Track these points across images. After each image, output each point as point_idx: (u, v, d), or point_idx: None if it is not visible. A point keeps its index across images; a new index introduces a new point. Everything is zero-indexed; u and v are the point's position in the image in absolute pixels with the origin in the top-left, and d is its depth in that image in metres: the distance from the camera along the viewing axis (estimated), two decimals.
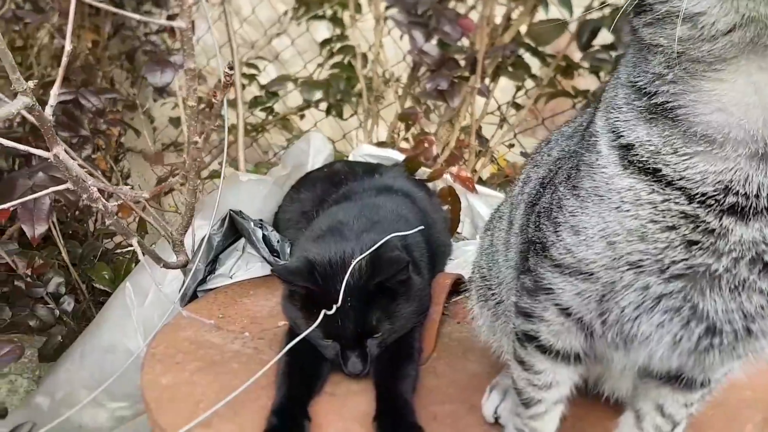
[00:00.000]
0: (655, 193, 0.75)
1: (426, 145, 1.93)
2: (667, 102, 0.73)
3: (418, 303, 1.35)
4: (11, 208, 1.47)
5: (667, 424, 0.99)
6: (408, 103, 2.39)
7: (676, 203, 0.74)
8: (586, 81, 2.30)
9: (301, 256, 1.35)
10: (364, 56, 2.46)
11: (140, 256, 1.31)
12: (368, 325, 1.25)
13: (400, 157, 1.99)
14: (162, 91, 2.19)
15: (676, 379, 0.94)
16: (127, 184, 2.51)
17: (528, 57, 2.23)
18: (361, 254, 1.28)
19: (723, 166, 0.71)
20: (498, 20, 2.19)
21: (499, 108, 2.48)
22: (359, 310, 1.24)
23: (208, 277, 1.69)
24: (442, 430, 1.17)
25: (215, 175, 2.35)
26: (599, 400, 1.15)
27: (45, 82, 1.97)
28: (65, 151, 1.05)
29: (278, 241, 1.66)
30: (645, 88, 0.75)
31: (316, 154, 2.10)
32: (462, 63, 2.13)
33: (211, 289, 1.66)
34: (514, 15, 2.22)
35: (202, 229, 1.68)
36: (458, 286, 1.52)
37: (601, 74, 2.18)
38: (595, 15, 2.08)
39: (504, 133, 2.44)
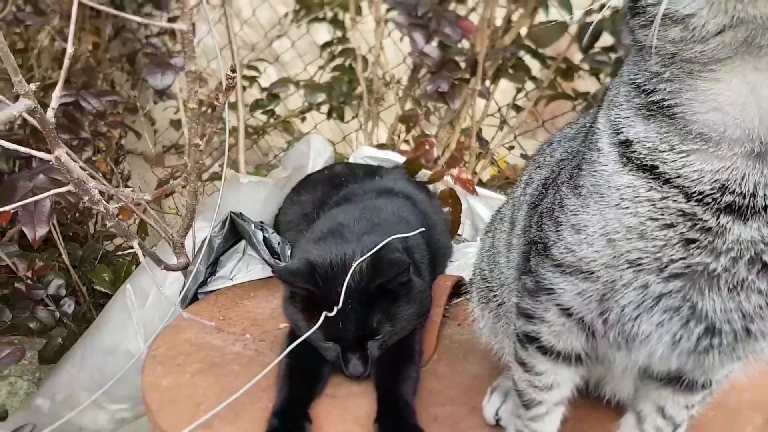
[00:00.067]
0: (654, 190, 0.76)
1: (426, 147, 1.93)
2: (665, 100, 0.74)
3: (419, 305, 1.35)
4: (12, 210, 1.47)
5: (668, 425, 0.99)
6: (408, 105, 2.39)
7: (674, 201, 0.75)
8: (586, 83, 2.30)
9: (302, 258, 1.35)
10: (365, 58, 2.46)
11: (141, 258, 1.31)
12: (369, 327, 1.25)
13: (401, 159, 1.99)
14: (162, 94, 2.19)
15: (677, 381, 0.95)
16: (127, 186, 2.51)
17: (528, 59, 2.24)
18: (361, 256, 1.28)
19: (719, 164, 0.72)
20: (498, 22, 2.19)
21: (499, 110, 2.48)
22: (360, 312, 1.24)
23: (209, 279, 1.69)
24: (443, 431, 1.17)
25: (216, 177, 2.35)
26: (600, 402, 1.15)
27: (46, 85, 1.97)
28: (66, 153, 1.05)
29: (279, 243, 1.66)
30: (643, 86, 0.76)
31: (316, 157, 2.10)
32: (462, 65, 2.13)
33: (211, 291, 1.66)
34: (515, 17, 2.22)
35: (202, 231, 1.68)
36: (459, 288, 1.52)
37: (601, 76, 2.18)
38: (595, 17, 2.08)
39: (504, 135, 2.44)
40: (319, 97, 2.56)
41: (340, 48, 2.62)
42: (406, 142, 2.35)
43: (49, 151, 1.03)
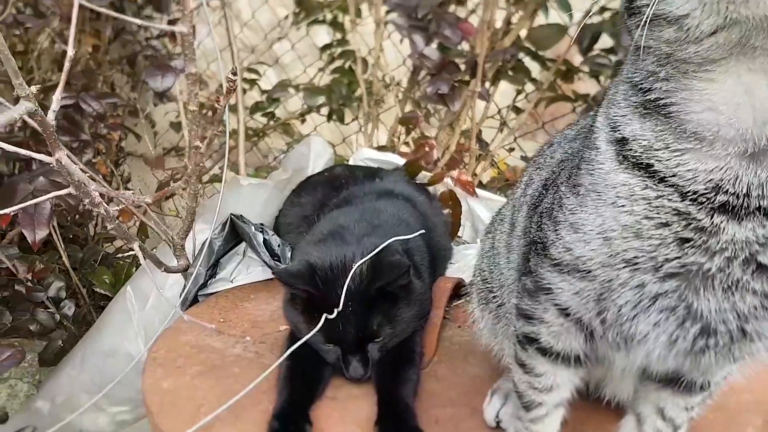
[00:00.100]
0: (649, 188, 0.76)
1: (426, 149, 1.93)
2: (660, 98, 0.75)
3: (419, 307, 1.35)
4: (12, 213, 1.47)
5: (667, 427, 0.99)
6: (408, 107, 2.39)
7: (669, 200, 0.75)
8: (586, 85, 2.30)
9: (302, 260, 1.35)
10: (364, 60, 2.46)
11: (141, 261, 1.31)
12: (369, 330, 1.25)
13: (401, 161, 2.00)
14: (162, 96, 2.19)
15: (675, 382, 0.95)
16: (127, 188, 2.51)
17: (528, 61, 2.24)
18: (362, 258, 1.28)
19: (713, 164, 0.72)
20: (498, 24, 2.20)
21: (499, 112, 2.48)
22: (360, 314, 1.24)
23: (209, 281, 1.68)
24: None
25: (216, 179, 2.35)
26: (600, 403, 1.15)
27: (46, 87, 1.97)
28: (67, 155, 1.06)
29: (279, 246, 1.66)
30: (640, 84, 0.77)
31: (316, 158, 2.10)
32: (462, 67, 2.13)
33: (211, 293, 1.66)
34: (515, 19, 2.22)
35: (202, 233, 1.68)
36: (459, 289, 1.52)
37: (601, 78, 2.18)
38: (595, 19, 2.08)
39: (504, 137, 2.44)
40: (318, 100, 2.56)
41: (339, 50, 2.62)
42: (406, 143, 2.35)
43: (49, 154, 1.03)
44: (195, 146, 1.35)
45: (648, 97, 0.76)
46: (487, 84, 2.21)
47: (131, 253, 1.24)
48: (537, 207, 0.97)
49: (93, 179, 1.24)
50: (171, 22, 2.30)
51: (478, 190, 1.97)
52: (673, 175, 0.74)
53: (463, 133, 2.27)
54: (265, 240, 1.66)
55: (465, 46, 2.18)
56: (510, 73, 2.22)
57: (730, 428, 1.19)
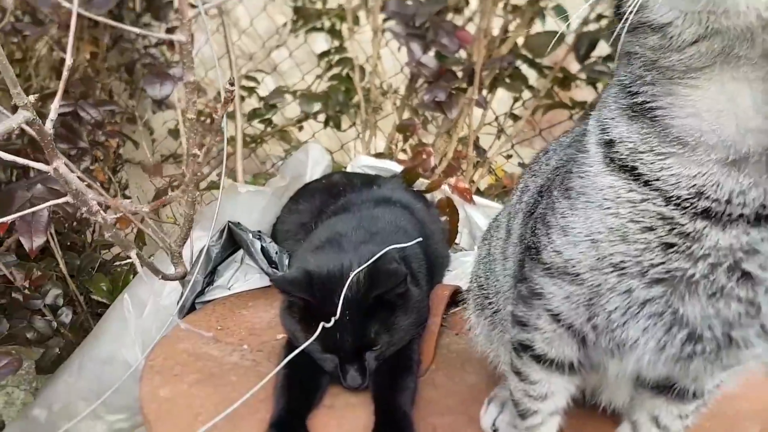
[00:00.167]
0: (634, 191, 0.76)
1: (424, 156, 1.93)
2: (647, 102, 0.75)
3: (417, 315, 1.35)
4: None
5: None
6: (406, 115, 2.40)
7: (654, 204, 0.75)
8: (583, 92, 2.31)
9: (299, 267, 1.35)
10: (362, 68, 2.47)
11: (138, 269, 1.31)
12: (367, 338, 1.25)
13: (398, 168, 2.00)
14: (161, 103, 2.20)
15: (668, 389, 0.95)
16: (125, 195, 2.52)
17: (525, 68, 2.24)
18: (359, 266, 1.28)
19: (696, 170, 0.72)
20: (495, 32, 2.20)
21: (496, 119, 2.49)
22: (357, 323, 1.24)
23: (207, 289, 1.69)
24: None
25: (214, 186, 2.35)
26: (597, 411, 1.15)
27: (44, 94, 1.97)
28: (65, 164, 1.06)
29: (276, 253, 1.67)
30: (629, 87, 0.78)
31: (314, 165, 2.10)
32: (459, 74, 2.14)
33: (209, 301, 1.66)
34: (512, 27, 2.23)
35: (200, 240, 1.68)
36: (456, 297, 1.52)
37: (599, 85, 2.19)
38: (592, 27, 2.09)
39: (502, 144, 2.44)
40: (315, 106, 2.57)
41: (337, 57, 2.63)
42: (404, 151, 2.35)
43: (47, 162, 1.03)
44: (193, 154, 1.35)
45: (635, 100, 0.77)
46: (485, 91, 2.21)
47: (129, 260, 1.23)
48: (532, 214, 0.98)
49: (90, 187, 1.24)
50: (169, 30, 2.30)
51: (476, 197, 1.97)
52: (657, 179, 0.75)
53: (460, 140, 2.27)
54: (262, 247, 1.66)
55: (462, 54, 2.18)
56: (507, 80, 2.22)
57: None
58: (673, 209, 0.74)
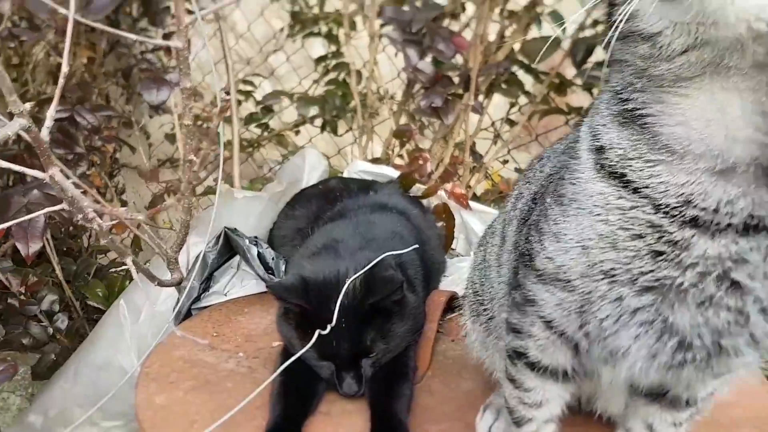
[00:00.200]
0: (623, 198, 0.76)
1: (420, 162, 1.93)
2: (637, 109, 0.75)
3: (413, 321, 1.35)
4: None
5: None
6: (403, 119, 2.40)
7: (643, 211, 0.75)
8: (579, 98, 2.31)
9: (295, 274, 1.35)
10: (359, 73, 2.47)
11: (134, 275, 1.31)
12: (363, 346, 1.25)
13: (395, 173, 2.00)
14: (158, 108, 2.19)
15: (662, 397, 0.95)
16: (121, 200, 2.51)
17: (521, 74, 2.25)
18: (355, 273, 1.27)
19: (684, 178, 0.72)
20: (492, 38, 2.21)
21: (493, 124, 2.49)
22: (354, 330, 1.23)
23: (203, 295, 1.68)
24: None
25: (210, 191, 2.35)
26: (592, 418, 1.15)
27: (41, 99, 1.97)
28: (61, 171, 1.06)
29: (273, 259, 1.66)
30: (620, 94, 0.78)
31: (311, 170, 2.10)
32: (456, 80, 2.14)
33: (205, 307, 1.66)
34: (508, 33, 2.24)
35: (196, 246, 1.68)
36: (452, 303, 1.52)
37: (594, 91, 2.19)
38: (588, 33, 2.10)
39: (498, 149, 2.45)
40: (312, 110, 2.57)
41: (334, 62, 2.63)
42: (400, 156, 2.35)
43: (43, 168, 1.03)
44: (189, 160, 1.36)
45: (626, 107, 0.77)
46: (481, 97, 2.22)
47: (125, 267, 1.23)
48: (526, 221, 0.98)
49: (86, 193, 1.24)
50: (166, 36, 2.30)
51: (472, 203, 1.98)
52: (646, 186, 0.75)
53: (457, 146, 2.28)
54: (259, 253, 1.66)
55: (459, 59, 2.19)
56: (503, 86, 2.23)
57: None
58: (662, 217, 0.74)
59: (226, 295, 1.68)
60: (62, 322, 1.86)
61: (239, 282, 1.71)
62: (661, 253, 0.76)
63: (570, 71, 2.23)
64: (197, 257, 1.63)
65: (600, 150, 0.79)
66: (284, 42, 2.93)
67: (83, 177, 1.94)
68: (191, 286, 1.60)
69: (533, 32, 2.22)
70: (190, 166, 1.33)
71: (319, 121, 2.63)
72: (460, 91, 2.13)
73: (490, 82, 2.21)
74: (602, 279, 0.80)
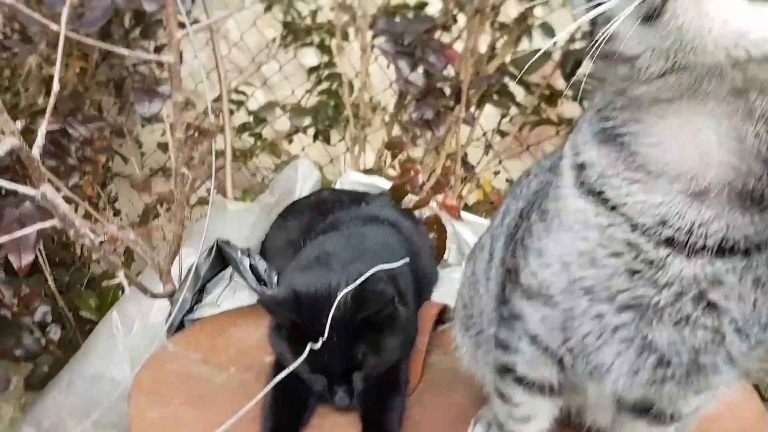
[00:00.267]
0: (601, 216, 0.77)
1: (412, 173, 1.94)
2: (616, 127, 0.76)
3: (405, 334, 1.36)
4: None
5: None
6: (396, 130, 2.41)
7: (621, 230, 0.76)
8: (570, 109, 2.33)
9: (287, 287, 1.36)
10: (351, 83, 2.48)
11: (126, 288, 1.31)
12: (354, 360, 1.25)
13: (387, 184, 2.01)
14: (150, 118, 2.20)
15: (647, 412, 0.96)
16: (114, 208, 2.51)
17: (513, 85, 2.26)
18: (347, 286, 1.27)
19: (660, 198, 0.73)
20: (483, 50, 2.22)
21: (484, 135, 2.51)
22: (345, 344, 1.24)
23: (195, 306, 1.68)
24: None
25: (203, 201, 2.36)
26: (582, 430, 1.16)
27: (33, 111, 1.97)
28: (53, 185, 1.06)
29: (265, 270, 1.67)
30: (601, 112, 0.78)
31: (303, 181, 2.11)
32: (447, 92, 2.15)
33: (198, 319, 1.66)
34: (499, 45, 2.25)
35: (189, 257, 1.68)
36: (444, 315, 1.53)
37: (585, 102, 2.21)
38: (579, 45, 2.12)
39: (490, 160, 2.46)
40: (305, 121, 2.58)
41: (326, 72, 2.65)
42: (393, 167, 2.36)
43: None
44: (181, 174, 1.36)
45: (606, 125, 0.77)
46: (472, 108, 2.23)
47: (117, 280, 1.24)
48: (513, 237, 0.99)
49: (78, 206, 1.25)
50: (158, 49, 2.31)
51: (464, 213, 1.98)
52: (624, 204, 0.75)
53: (448, 156, 2.29)
54: (251, 265, 1.66)
55: (450, 71, 2.20)
56: (495, 97, 2.25)
57: None
58: (639, 236, 0.75)
59: (218, 306, 1.68)
60: (55, 333, 1.86)
61: (232, 293, 1.71)
62: (637, 272, 0.77)
63: (561, 82, 2.25)
64: (190, 269, 1.63)
65: (581, 167, 0.80)
66: (277, 51, 2.94)
67: (75, 188, 1.94)
68: (184, 298, 1.60)
69: (524, 44, 2.23)
70: (182, 180, 1.34)
71: (311, 131, 2.63)
72: (452, 103, 2.14)
73: (482, 94, 2.23)
74: (583, 295, 0.82)
